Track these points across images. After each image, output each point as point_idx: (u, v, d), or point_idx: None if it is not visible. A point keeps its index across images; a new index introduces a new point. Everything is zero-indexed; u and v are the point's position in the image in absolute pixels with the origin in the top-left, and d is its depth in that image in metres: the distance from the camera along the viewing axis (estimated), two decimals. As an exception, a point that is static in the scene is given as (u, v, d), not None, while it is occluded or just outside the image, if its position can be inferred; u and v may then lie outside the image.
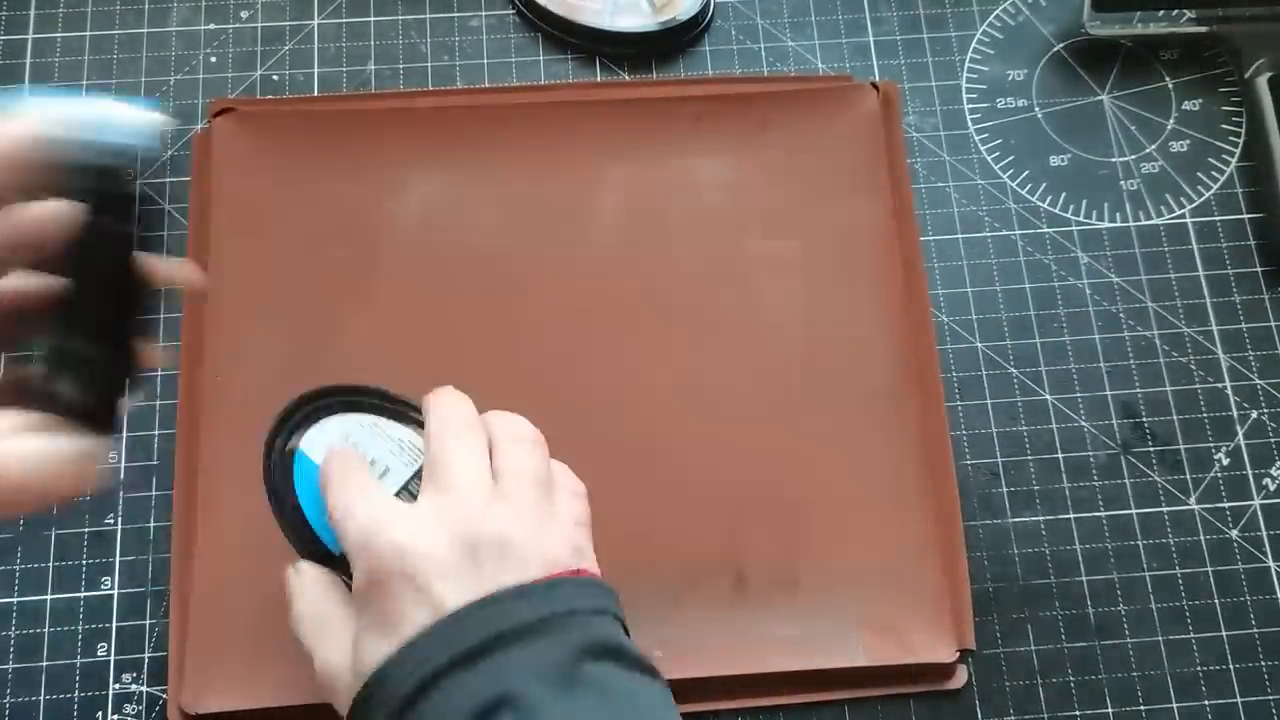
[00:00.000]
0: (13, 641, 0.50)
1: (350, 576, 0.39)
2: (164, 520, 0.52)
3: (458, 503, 0.39)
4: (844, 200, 0.57)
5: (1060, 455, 0.54)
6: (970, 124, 0.60)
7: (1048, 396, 0.55)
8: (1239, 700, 0.51)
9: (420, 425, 0.42)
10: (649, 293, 0.55)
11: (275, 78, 0.60)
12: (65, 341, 0.33)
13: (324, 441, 0.42)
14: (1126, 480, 0.54)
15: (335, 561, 0.41)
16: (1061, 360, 0.56)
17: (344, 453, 0.41)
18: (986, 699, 0.51)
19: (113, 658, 0.50)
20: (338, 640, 0.39)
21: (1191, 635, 0.52)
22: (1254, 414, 0.55)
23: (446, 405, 0.42)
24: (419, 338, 0.54)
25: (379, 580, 0.37)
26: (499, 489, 0.39)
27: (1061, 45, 0.62)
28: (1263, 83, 0.59)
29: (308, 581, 0.41)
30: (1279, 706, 0.51)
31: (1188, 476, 0.54)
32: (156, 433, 0.53)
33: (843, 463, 0.52)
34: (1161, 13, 0.62)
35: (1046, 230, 0.58)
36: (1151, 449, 0.55)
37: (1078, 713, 0.50)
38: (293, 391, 0.51)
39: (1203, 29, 0.61)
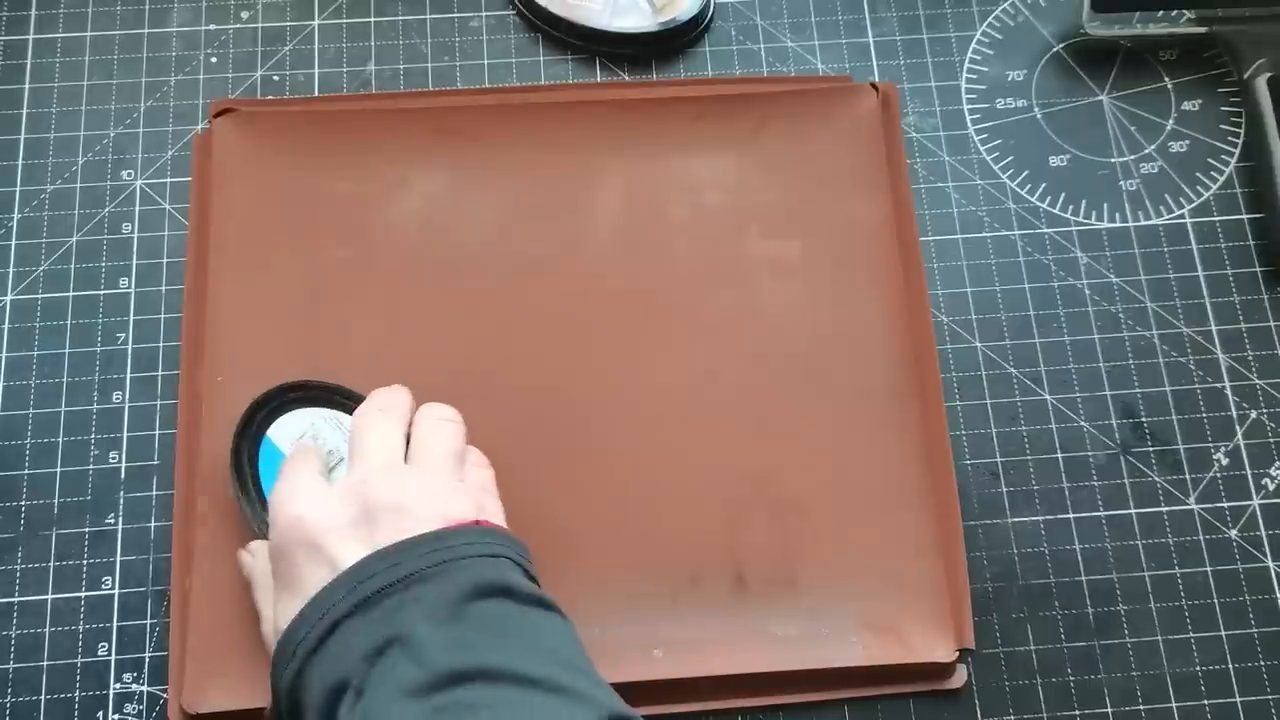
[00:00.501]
0: (13, 641, 0.50)
1: None
2: (164, 520, 0.52)
3: (362, 473, 0.43)
4: (844, 200, 0.57)
5: (1060, 455, 0.54)
6: (970, 124, 0.61)
7: (1047, 396, 0.55)
8: (1238, 700, 0.51)
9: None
10: (649, 293, 0.55)
11: (276, 78, 0.60)
12: None
13: (290, 431, 0.48)
14: (1126, 480, 0.54)
15: None
16: (1061, 360, 0.56)
17: (305, 446, 0.47)
18: (986, 699, 0.51)
19: (113, 657, 0.50)
20: (267, 606, 0.43)
21: (1191, 635, 0.52)
22: (1253, 414, 0.55)
23: (376, 395, 0.47)
24: (419, 337, 0.54)
25: (284, 547, 0.41)
26: (409, 461, 0.44)
27: (1061, 46, 0.62)
28: (1262, 83, 0.60)
29: (259, 558, 0.45)
30: (1278, 706, 0.51)
31: (1187, 476, 0.54)
32: (156, 433, 0.53)
33: (842, 462, 0.53)
34: (1161, 13, 0.62)
35: (1046, 230, 0.58)
36: (1151, 449, 0.55)
37: (1077, 712, 0.50)
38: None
39: (1202, 29, 0.61)
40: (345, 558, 0.39)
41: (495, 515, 0.44)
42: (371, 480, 0.42)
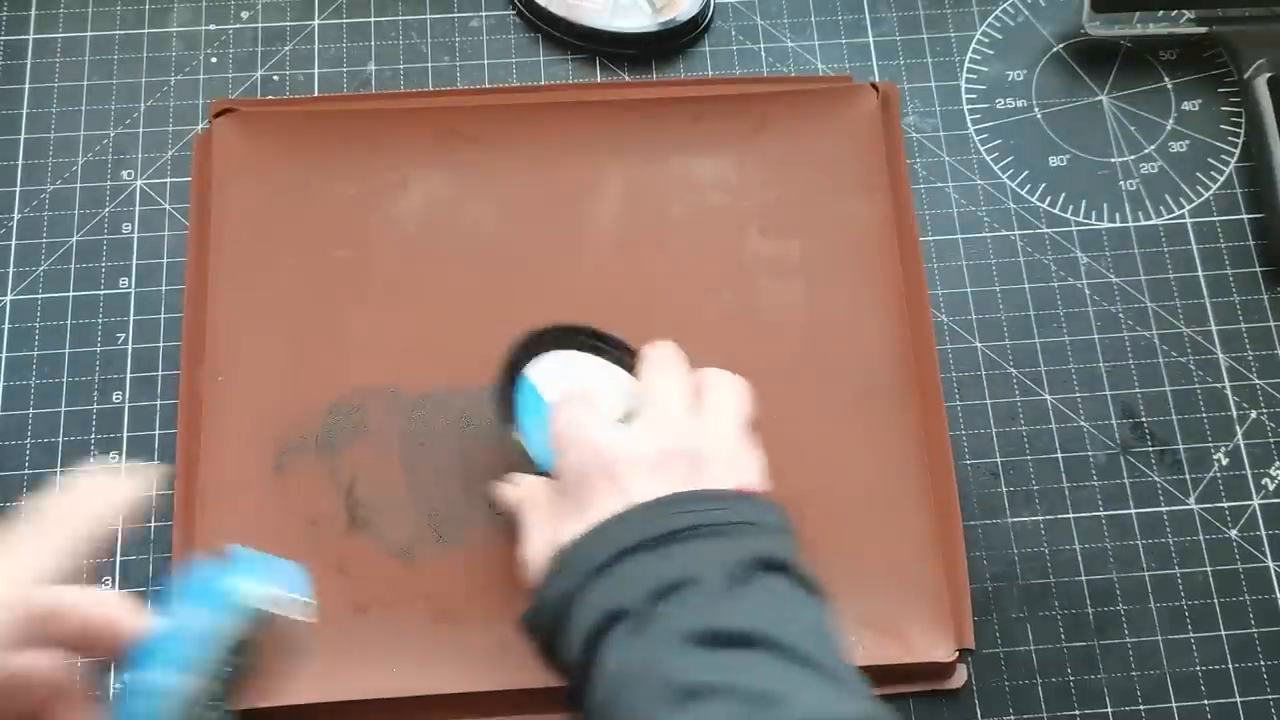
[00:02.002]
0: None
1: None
2: (164, 520, 0.52)
3: (660, 419, 0.43)
4: (844, 200, 0.57)
5: (1060, 455, 0.54)
6: (970, 124, 0.61)
7: (1047, 396, 0.55)
8: (1238, 700, 0.51)
9: (628, 364, 0.48)
10: (649, 292, 0.55)
11: (276, 78, 0.60)
12: None
13: (548, 371, 0.48)
14: (1126, 480, 0.54)
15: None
16: (1061, 360, 0.56)
17: (596, 388, 0.47)
18: (986, 698, 0.51)
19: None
20: (542, 528, 0.43)
21: (1191, 635, 0.52)
22: (1253, 414, 0.55)
23: (661, 349, 0.46)
24: (419, 337, 0.54)
25: (582, 472, 0.42)
26: (701, 415, 0.44)
27: (1061, 46, 0.62)
28: (1262, 83, 0.60)
29: (524, 483, 0.46)
30: (1278, 706, 0.51)
31: (1187, 476, 0.54)
32: (157, 433, 0.53)
33: (842, 462, 0.53)
34: (1161, 13, 0.62)
35: (1046, 230, 0.58)
36: (1151, 449, 0.55)
37: (1077, 712, 0.50)
38: (293, 390, 0.52)
39: (1202, 29, 0.61)
40: (639, 493, 0.40)
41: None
42: (672, 425, 0.43)
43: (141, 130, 0.59)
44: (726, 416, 0.44)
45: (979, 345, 0.56)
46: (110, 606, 0.33)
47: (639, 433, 0.42)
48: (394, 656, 0.49)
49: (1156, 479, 0.54)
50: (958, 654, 0.50)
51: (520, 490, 0.47)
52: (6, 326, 0.55)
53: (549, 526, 0.43)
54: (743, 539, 0.39)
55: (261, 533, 0.51)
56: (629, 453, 0.41)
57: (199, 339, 0.53)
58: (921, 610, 0.50)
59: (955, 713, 0.50)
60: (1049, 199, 0.59)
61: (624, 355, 0.49)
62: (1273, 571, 0.53)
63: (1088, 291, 0.57)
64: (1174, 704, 0.51)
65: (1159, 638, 0.52)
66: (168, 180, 0.58)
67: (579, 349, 0.49)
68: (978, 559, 0.52)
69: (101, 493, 0.34)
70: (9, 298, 0.56)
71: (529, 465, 0.47)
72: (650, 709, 0.35)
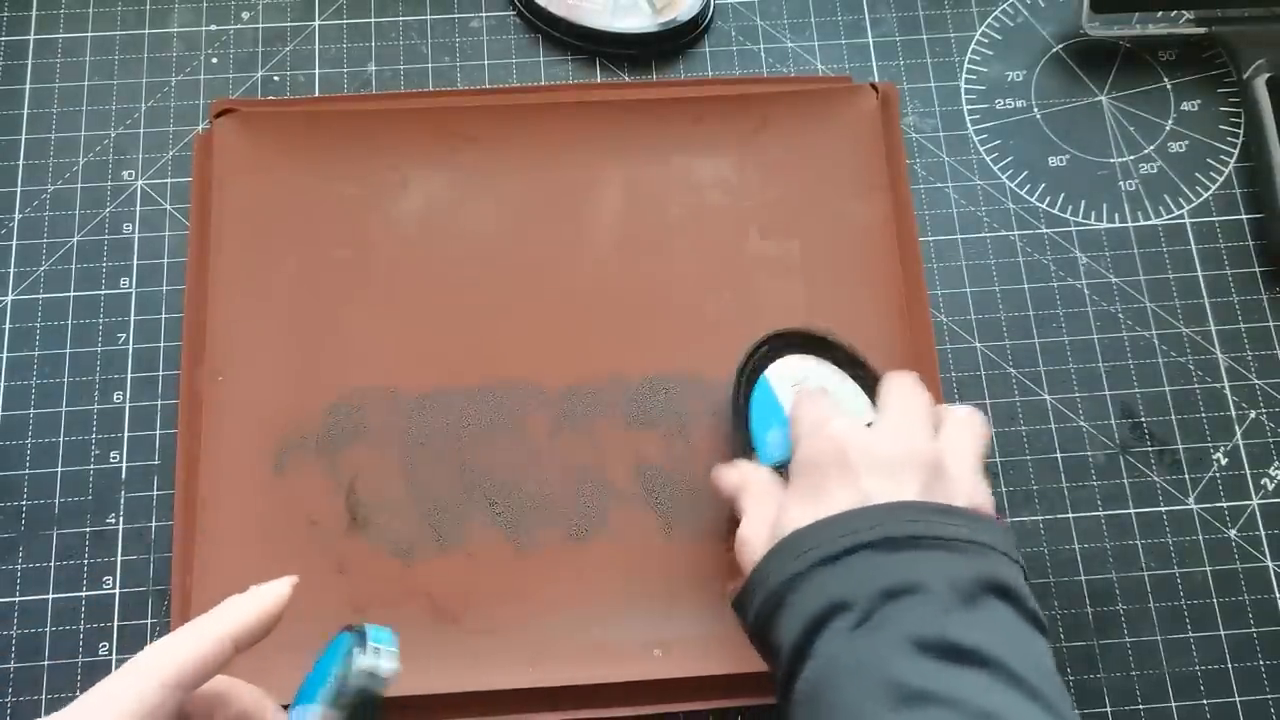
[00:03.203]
0: (14, 641, 0.50)
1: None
2: (165, 520, 0.52)
3: (904, 430, 0.43)
4: (843, 201, 0.57)
5: (1059, 455, 0.54)
6: (969, 125, 0.61)
7: (1046, 396, 0.56)
8: (1237, 700, 0.51)
9: (862, 380, 0.49)
10: (649, 293, 0.55)
11: (276, 79, 0.60)
12: None
13: (784, 373, 0.49)
14: (1125, 480, 0.54)
15: None
16: (1060, 360, 0.56)
17: (824, 388, 0.48)
18: (985, 698, 0.51)
19: (114, 657, 0.50)
20: (764, 508, 0.44)
21: (1190, 635, 0.52)
22: (1252, 414, 0.55)
23: (905, 375, 0.46)
24: (419, 337, 0.54)
25: (819, 462, 0.42)
26: (943, 437, 0.43)
27: (1060, 46, 0.62)
28: (1261, 83, 0.60)
29: (747, 468, 0.47)
30: (1278, 706, 0.51)
31: (1186, 476, 0.54)
32: (157, 433, 0.54)
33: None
34: (1160, 14, 0.62)
35: (1045, 231, 0.59)
36: (1150, 449, 0.55)
37: (1077, 712, 0.50)
38: (293, 390, 0.52)
39: (1201, 30, 0.61)
40: (876, 493, 0.40)
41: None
42: (914, 435, 0.43)
43: (142, 130, 0.59)
44: (965, 443, 0.44)
45: (979, 345, 0.56)
46: (264, 701, 0.40)
47: (880, 435, 0.43)
48: (394, 656, 0.49)
49: (1156, 479, 0.54)
50: (957, 654, 0.50)
51: (742, 474, 0.47)
52: (7, 327, 0.55)
53: (771, 510, 0.43)
54: (977, 559, 0.39)
55: (261, 533, 0.51)
56: (869, 451, 0.42)
57: (199, 339, 0.53)
58: (921, 610, 0.50)
59: (955, 712, 0.50)
60: (1048, 199, 0.59)
61: (866, 375, 0.49)
62: (1272, 571, 0.53)
63: (1087, 292, 0.57)
64: (1173, 704, 0.51)
65: (1158, 637, 0.52)
66: (168, 180, 0.58)
67: (821, 358, 0.50)
68: (977, 559, 0.52)
69: (253, 602, 0.39)
70: (10, 298, 0.56)
71: (748, 451, 0.49)
72: (867, 704, 0.35)
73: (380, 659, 0.39)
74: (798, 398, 0.46)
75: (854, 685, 0.36)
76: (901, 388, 0.45)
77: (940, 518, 0.40)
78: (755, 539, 0.43)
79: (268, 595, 0.39)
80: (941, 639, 0.36)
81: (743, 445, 0.49)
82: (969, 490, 0.42)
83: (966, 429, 0.44)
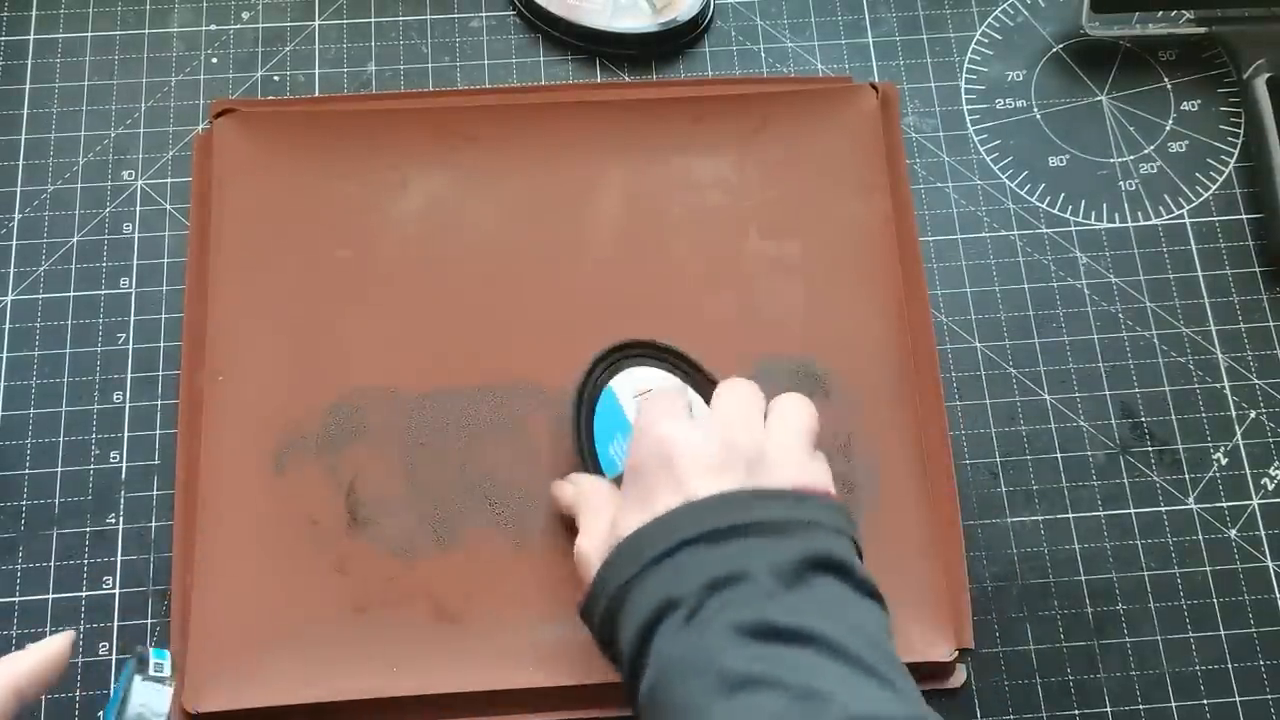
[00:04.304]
0: (14, 641, 0.50)
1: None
2: (165, 520, 0.52)
3: (728, 427, 0.44)
4: (843, 200, 0.57)
5: (1059, 455, 0.54)
6: (969, 125, 0.61)
7: (1046, 396, 0.56)
8: (1237, 700, 0.51)
9: (706, 390, 0.49)
10: (649, 292, 0.55)
11: (276, 79, 0.60)
12: None
13: (628, 384, 0.49)
14: (1125, 480, 0.54)
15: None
16: (1060, 360, 0.56)
17: (675, 388, 0.48)
18: (985, 698, 0.51)
19: (114, 657, 0.50)
20: (600, 519, 0.44)
21: (1190, 635, 0.52)
22: (1252, 414, 0.55)
23: (738, 379, 0.47)
24: (419, 337, 0.54)
25: (646, 466, 0.43)
26: (766, 426, 0.44)
27: (1060, 46, 0.62)
28: (1261, 83, 0.60)
29: (583, 481, 0.48)
30: (1278, 706, 0.51)
31: (1186, 476, 0.54)
32: (157, 433, 0.54)
33: (842, 462, 0.53)
34: (1160, 14, 0.62)
35: (1045, 231, 0.59)
36: (1150, 449, 0.55)
37: (1076, 712, 0.51)
38: (293, 390, 0.52)
39: (1201, 30, 0.61)
40: (699, 490, 0.41)
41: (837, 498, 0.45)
42: (737, 430, 0.43)
43: (142, 130, 0.59)
44: (790, 426, 0.45)
45: (979, 345, 0.56)
46: (41, 653, 0.40)
47: (703, 432, 0.43)
48: (394, 656, 0.49)
49: (1156, 479, 0.54)
50: (957, 654, 0.50)
51: (578, 487, 0.48)
52: (7, 327, 0.55)
53: (608, 519, 0.44)
54: (799, 538, 0.40)
55: (261, 533, 0.51)
56: (692, 451, 0.42)
57: (199, 339, 0.53)
58: (921, 610, 0.50)
59: (955, 712, 0.50)
60: (1048, 199, 0.59)
61: (703, 382, 0.50)
62: (1272, 571, 0.53)
63: (1087, 291, 0.57)
64: (1173, 704, 0.51)
65: (1158, 637, 0.52)
66: (168, 180, 0.58)
67: (664, 368, 0.51)
68: (977, 559, 0.53)
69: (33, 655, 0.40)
70: (10, 298, 0.56)
71: (593, 465, 0.49)
72: (700, 697, 0.36)
73: (156, 683, 0.42)
74: (642, 404, 0.46)
75: (686, 681, 0.37)
76: (731, 388, 0.46)
77: (761, 503, 0.40)
78: (592, 550, 0.43)
79: (47, 648, 0.40)
80: (763, 622, 0.37)
81: (585, 459, 0.49)
82: (793, 473, 0.42)
83: (792, 413, 0.45)
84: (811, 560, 0.39)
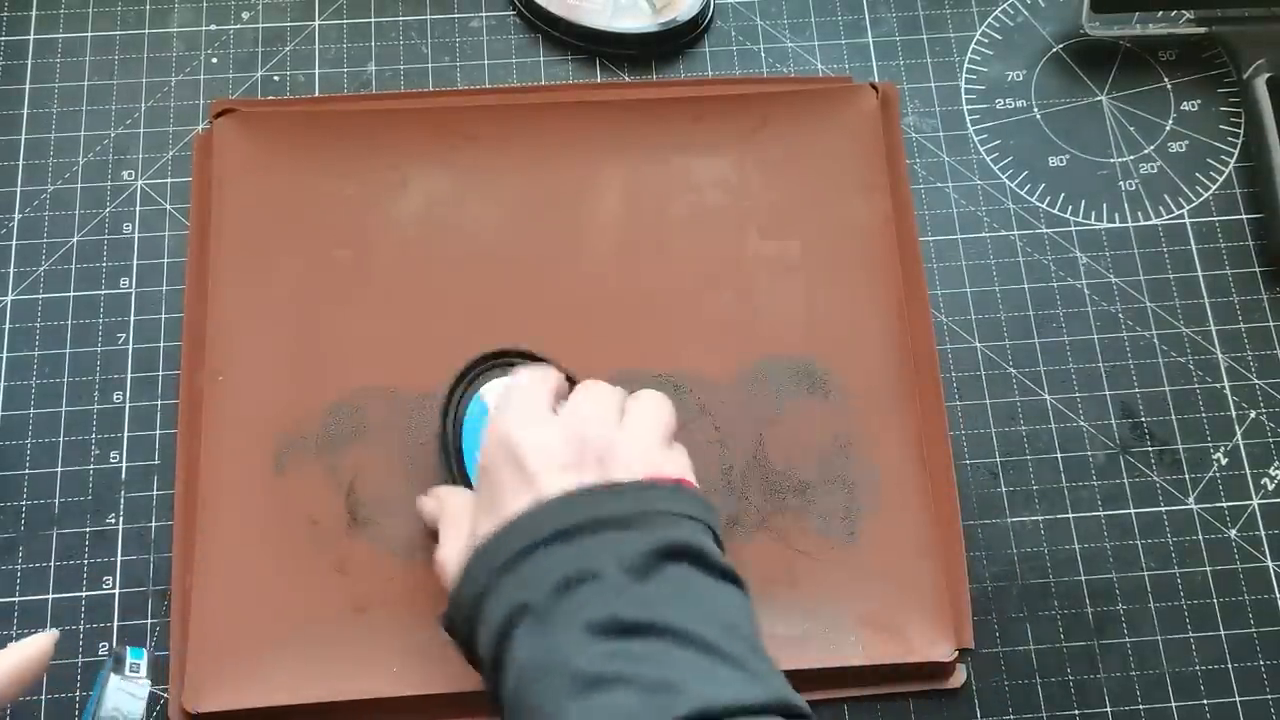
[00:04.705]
0: (14, 641, 0.50)
1: None
2: (165, 520, 0.52)
3: (578, 418, 0.43)
4: (843, 200, 0.57)
5: (1059, 455, 0.54)
6: (969, 125, 0.61)
7: (1047, 396, 0.56)
8: (1238, 700, 0.51)
9: None
10: (649, 292, 0.55)
11: (276, 79, 0.60)
12: None
13: (495, 391, 0.49)
14: (1125, 480, 0.54)
15: None
16: (1060, 360, 0.56)
17: (542, 372, 0.46)
18: (985, 698, 0.51)
19: (99, 658, 0.50)
20: (458, 529, 0.44)
21: (1190, 635, 0.52)
22: (1252, 414, 0.55)
23: (594, 381, 0.46)
24: (419, 338, 0.54)
25: (494, 468, 0.42)
26: (619, 422, 0.44)
27: (1060, 46, 0.62)
28: (1261, 83, 0.60)
29: (443, 493, 0.47)
30: (1278, 706, 0.51)
31: (1186, 476, 0.54)
32: (157, 433, 0.54)
33: (842, 462, 0.53)
34: (1160, 14, 0.62)
35: (1045, 231, 0.59)
36: (1150, 449, 0.55)
37: (1076, 712, 0.51)
38: (293, 390, 0.52)
39: (1201, 30, 0.61)
40: (550, 488, 0.40)
41: (693, 481, 0.45)
42: (588, 424, 0.43)
43: (142, 130, 0.59)
44: (643, 420, 0.44)
45: (979, 345, 0.56)
46: (20, 654, 0.41)
47: (553, 431, 0.43)
48: (394, 656, 0.49)
49: (1156, 479, 0.54)
50: (957, 654, 0.50)
51: (439, 499, 0.47)
52: (7, 326, 0.55)
53: (465, 528, 0.43)
54: (650, 529, 0.39)
55: (262, 533, 0.51)
56: (541, 449, 0.42)
57: (199, 339, 0.53)
58: (921, 610, 0.50)
59: (955, 713, 0.50)
60: (1048, 199, 0.59)
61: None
62: (1272, 571, 0.53)
63: (1087, 291, 0.57)
64: (1173, 704, 0.51)
65: (1158, 637, 0.52)
66: (168, 180, 0.58)
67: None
68: (977, 559, 0.53)
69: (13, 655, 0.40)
70: (10, 298, 0.56)
71: (461, 478, 0.48)
72: (553, 700, 0.36)
73: (131, 683, 0.42)
74: (495, 403, 0.46)
75: (541, 684, 0.37)
76: (587, 388, 0.46)
77: (610, 498, 0.40)
78: (449, 562, 0.43)
79: (28, 647, 0.41)
80: (613, 619, 0.37)
81: (453, 470, 0.49)
82: (643, 465, 0.42)
83: (645, 409, 0.45)
84: (663, 550, 0.39)
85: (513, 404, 0.44)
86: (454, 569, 0.42)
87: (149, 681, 0.43)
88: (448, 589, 0.43)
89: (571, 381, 0.48)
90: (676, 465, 0.44)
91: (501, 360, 0.50)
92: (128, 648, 0.43)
